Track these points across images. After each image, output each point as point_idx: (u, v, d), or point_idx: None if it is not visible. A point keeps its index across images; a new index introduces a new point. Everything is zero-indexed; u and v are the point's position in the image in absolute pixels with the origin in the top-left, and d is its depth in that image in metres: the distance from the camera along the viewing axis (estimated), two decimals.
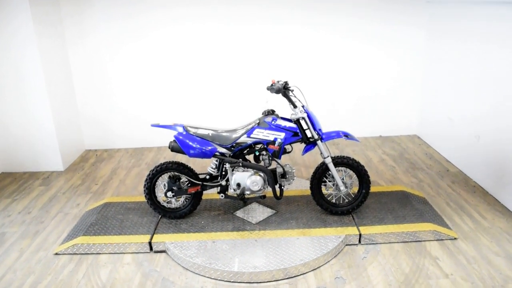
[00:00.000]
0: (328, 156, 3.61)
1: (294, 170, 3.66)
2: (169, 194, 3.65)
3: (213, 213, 3.89)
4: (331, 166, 3.62)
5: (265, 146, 3.58)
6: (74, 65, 5.65)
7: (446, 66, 5.21)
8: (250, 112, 5.57)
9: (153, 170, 3.67)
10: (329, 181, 3.76)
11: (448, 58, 5.14)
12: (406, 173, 4.93)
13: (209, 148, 3.53)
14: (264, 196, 3.67)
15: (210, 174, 3.74)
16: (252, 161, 3.72)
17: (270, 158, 3.63)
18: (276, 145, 3.50)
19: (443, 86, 5.33)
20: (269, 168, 3.63)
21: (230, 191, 3.66)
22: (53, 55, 5.18)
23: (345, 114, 6.03)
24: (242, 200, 3.63)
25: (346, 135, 3.63)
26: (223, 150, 3.57)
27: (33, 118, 5.07)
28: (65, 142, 5.40)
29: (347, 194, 3.84)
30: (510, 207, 3.96)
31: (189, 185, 3.70)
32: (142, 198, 4.25)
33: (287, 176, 3.62)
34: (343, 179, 3.72)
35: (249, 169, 3.59)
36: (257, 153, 3.62)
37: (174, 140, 3.60)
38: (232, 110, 5.92)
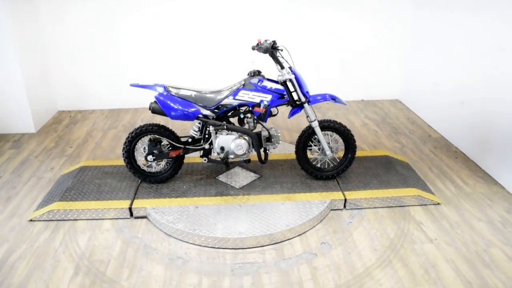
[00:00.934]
0: (314, 120, 3.51)
1: (279, 134, 3.55)
2: (150, 158, 3.50)
3: (195, 178, 3.78)
4: (317, 130, 3.53)
5: (250, 109, 3.44)
6: (47, 21, 5.26)
7: (432, 33, 5.10)
8: (235, 73, 5.36)
9: (132, 132, 3.49)
10: (315, 146, 3.69)
11: (434, 26, 5.03)
12: (389, 137, 4.90)
13: (192, 110, 3.36)
14: (248, 160, 3.57)
15: (193, 137, 3.59)
16: (236, 124, 3.58)
17: (255, 121, 3.50)
18: (262, 107, 3.37)
19: (428, 52, 5.24)
20: (254, 131, 3.51)
21: (214, 155, 3.54)
22: (22, 10, 4.79)
23: (328, 77, 5.91)
24: (226, 164, 3.52)
25: (334, 98, 3.52)
26: (207, 112, 3.41)
27: (0, 77, 4.74)
28: (37, 102, 5.10)
29: (332, 158, 3.77)
30: (491, 173, 4.00)
31: (171, 148, 3.55)
32: (120, 161, 4.08)
33: (273, 140, 3.51)
34: (329, 143, 3.64)
35: (233, 132, 3.46)
36: (241, 116, 3.48)
37: (154, 101, 3.41)
38: (216, 71, 5.70)
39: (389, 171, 3.92)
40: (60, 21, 5.29)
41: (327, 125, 3.58)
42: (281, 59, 3.37)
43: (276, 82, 3.42)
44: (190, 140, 3.59)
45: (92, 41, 5.42)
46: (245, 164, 3.88)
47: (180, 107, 3.34)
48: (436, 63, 5.07)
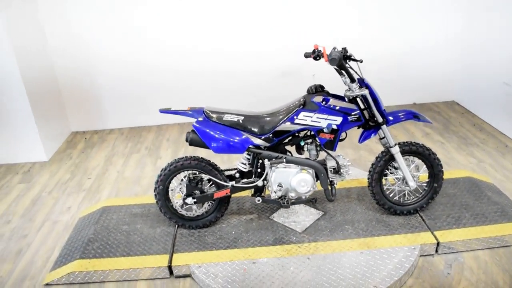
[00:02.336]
0: (395, 145, 2.78)
1: (349, 163, 2.83)
2: (189, 200, 2.80)
3: (245, 218, 3.08)
4: (399, 157, 2.80)
5: (313, 133, 2.73)
6: (50, 32, 4.60)
7: (494, 20, 4.32)
8: (277, 91, 4.66)
9: (165, 169, 2.80)
10: (391, 173, 2.96)
11: (496, 16, 4.24)
12: (459, 150, 4.15)
13: (240, 139, 2.66)
14: (315, 200, 2.86)
15: (241, 171, 2.89)
16: (294, 153, 2.87)
17: (318, 149, 2.79)
18: (329, 133, 2.65)
19: (490, 44, 4.45)
20: (316, 160, 2.80)
21: (272, 195, 2.82)
22: (22, 22, 4.13)
23: (374, 78, 5.15)
24: (285, 206, 2.81)
25: (416, 116, 2.80)
26: (258, 142, 2.70)
27: (5, 99, 4.09)
28: (47, 124, 4.45)
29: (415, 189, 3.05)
30: None
31: (215, 187, 2.86)
32: (149, 198, 3.40)
33: (342, 171, 2.80)
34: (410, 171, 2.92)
35: (293, 165, 2.75)
36: (302, 143, 2.77)
37: (192, 130, 2.72)
38: (251, 88, 4.99)
39: (479, 199, 3.18)
40: (68, 29, 4.62)
41: (408, 149, 2.85)
42: (351, 71, 2.65)
43: (344, 99, 2.71)
44: (237, 174, 2.89)
45: (104, 51, 4.74)
46: (312, 203, 3.11)
47: (225, 137, 2.64)
48: (500, 56, 4.29)
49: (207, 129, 2.64)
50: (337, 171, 2.79)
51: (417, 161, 2.95)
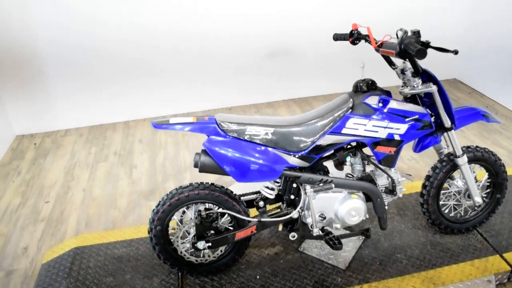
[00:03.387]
0: (463, 154, 2.18)
1: (403, 179, 2.20)
2: (202, 245, 2.06)
3: (267, 253, 2.39)
4: (466, 169, 2.21)
5: (359, 144, 2.06)
6: None
7: None
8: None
9: (163, 203, 2.03)
10: (451, 187, 2.38)
11: None
12: (483, 139, 3.66)
13: (273, 160, 1.93)
14: (368, 232, 2.22)
15: (265, 198, 2.18)
16: (334, 171, 2.20)
17: (366, 163, 2.14)
18: (389, 145, 1.99)
19: (495, 16, 3.96)
20: (363, 178, 2.16)
21: (314, 230, 2.12)
22: None
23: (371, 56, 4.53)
24: (338, 248, 2.12)
25: (485, 115, 2.20)
26: (295, 161, 1.99)
27: None
28: None
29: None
30: None
31: (234, 224, 2.13)
32: (134, 230, 2.62)
33: (397, 190, 2.17)
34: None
35: (335, 188, 2.08)
36: (348, 159, 2.10)
37: (203, 151, 1.95)
38: (248, 82, 4.20)
39: None
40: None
41: (472, 157, 2.27)
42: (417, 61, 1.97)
43: (404, 99, 2.06)
44: (261, 203, 2.17)
45: (56, 31, 3.75)
46: (366, 236, 2.39)
47: (251, 159, 1.90)
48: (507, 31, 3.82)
49: (224, 149, 1.89)
50: (390, 190, 2.16)
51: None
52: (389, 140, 1.98)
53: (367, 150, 2.16)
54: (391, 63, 2.13)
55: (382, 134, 1.97)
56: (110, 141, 3.91)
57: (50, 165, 3.57)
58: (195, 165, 1.93)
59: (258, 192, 2.22)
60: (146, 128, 4.10)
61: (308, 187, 2.00)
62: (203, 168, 1.92)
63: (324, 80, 4.50)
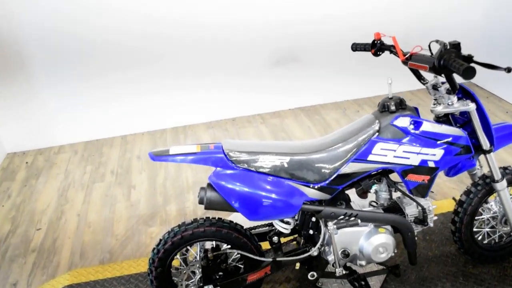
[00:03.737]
0: (503, 178, 1.93)
1: (435, 207, 1.95)
2: None
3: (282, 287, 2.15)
4: (505, 195, 1.96)
5: (384, 171, 1.82)
6: None
7: None
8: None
9: (165, 242, 1.79)
10: (485, 213, 2.14)
11: None
12: (510, 151, 3.41)
13: (290, 194, 1.69)
14: (398, 273, 1.97)
15: (278, 233, 1.94)
16: (354, 196, 1.95)
17: (391, 191, 1.90)
18: (424, 173, 1.75)
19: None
20: (389, 205, 1.91)
21: (337, 270, 1.87)
22: None
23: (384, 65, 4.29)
24: (357, 285, 1.88)
25: None
26: (315, 194, 1.74)
27: None
28: None
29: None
30: None
31: (245, 262, 1.89)
32: (132, 264, 2.38)
33: (428, 220, 1.92)
34: None
35: (359, 222, 1.83)
36: (373, 188, 1.86)
37: (208, 185, 1.70)
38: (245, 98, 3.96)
39: None
40: None
41: (510, 179, 2.02)
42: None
43: (439, 121, 1.81)
44: (275, 238, 1.93)
45: (48, 45, 3.51)
46: (395, 276, 2.11)
47: (265, 194, 1.66)
48: None
49: (233, 183, 1.64)
50: (421, 219, 1.92)
51: None
52: (422, 168, 1.73)
53: (394, 175, 1.93)
54: (420, 77, 1.89)
55: (414, 161, 1.72)
56: (106, 158, 3.67)
57: (42, 187, 3.33)
58: (200, 202, 1.69)
59: (271, 224, 1.98)
60: (145, 143, 3.86)
61: (330, 223, 1.76)
62: (210, 205, 1.68)
63: (333, 87, 4.25)
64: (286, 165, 1.68)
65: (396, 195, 1.99)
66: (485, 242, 2.22)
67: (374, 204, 1.96)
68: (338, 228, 1.77)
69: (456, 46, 1.55)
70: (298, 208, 1.69)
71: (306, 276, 2.20)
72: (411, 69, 1.87)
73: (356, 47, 2.02)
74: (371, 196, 2.04)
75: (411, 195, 1.85)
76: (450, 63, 1.47)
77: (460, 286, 2.11)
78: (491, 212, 2.13)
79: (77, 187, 3.30)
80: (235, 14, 3.70)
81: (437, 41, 1.61)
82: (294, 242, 2.01)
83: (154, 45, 3.68)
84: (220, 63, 3.90)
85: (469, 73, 1.39)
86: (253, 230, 1.98)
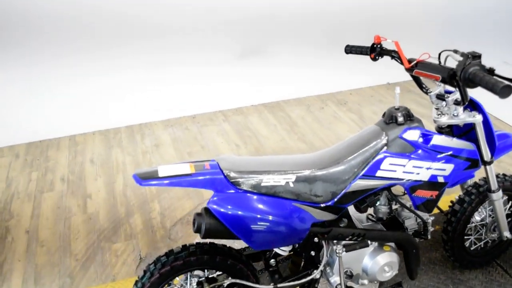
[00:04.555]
0: (499, 189, 1.91)
1: (432, 218, 1.88)
2: None
3: None
4: (499, 205, 1.94)
5: (397, 188, 1.71)
6: None
7: None
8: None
9: (151, 274, 1.55)
10: (473, 219, 2.12)
11: None
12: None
13: (298, 218, 1.52)
14: (401, 285, 1.88)
15: (277, 256, 1.77)
16: (351, 212, 1.83)
17: (391, 205, 1.80)
18: (432, 189, 1.66)
19: None
20: (387, 219, 1.82)
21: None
22: None
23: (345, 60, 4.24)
24: None
25: None
26: (322, 215, 1.59)
27: None
28: None
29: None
30: None
31: None
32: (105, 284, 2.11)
33: (428, 233, 1.85)
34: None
35: (361, 241, 1.71)
36: (379, 205, 1.75)
37: (205, 211, 1.49)
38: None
39: None
40: None
41: (509, 186, 2.01)
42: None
43: (441, 132, 1.73)
44: (272, 261, 1.76)
45: None
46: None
47: (271, 219, 1.47)
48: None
49: (236, 209, 1.44)
50: (420, 233, 1.84)
51: None
52: (431, 183, 1.64)
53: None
54: (421, 85, 1.79)
55: (424, 176, 1.62)
56: (54, 163, 3.27)
57: None
58: (197, 231, 1.47)
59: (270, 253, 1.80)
60: (98, 144, 3.50)
61: (340, 247, 1.61)
62: (209, 234, 1.47)
63: (297, 83, 4.13)
64: (291, 185, 1.51)
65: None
66: (472, 248, 2.21)
67: (370, 217, 1.85)
68: (347, 251, 1.63)
69: (477, 57, 1.46)
70: (307, 232, 1.53)
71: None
72: (413, 77, 1.77)
73: (350, 50, 1.89)
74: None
75: (414, 211, 1.77)
76: (481, 78, 1.37)
77: None
78: (480, 220, 2.11)
79: (22, 198, 2.89)
80: (197, 2, 3.43)
81: (456, 51, 1.50)
82: (289, 263, 1.86)
83: (105, 34, 3.31)
84: (178, 55, 3.62)
85: (507, 92, 1.30)
86: (244, 252, 1.80)
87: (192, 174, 1.43)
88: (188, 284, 1.65)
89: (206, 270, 1.68)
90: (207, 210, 1.47)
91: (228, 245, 1.67)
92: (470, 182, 2.03)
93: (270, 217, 1.46)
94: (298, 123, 3.76)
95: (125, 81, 3.56)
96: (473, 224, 2.13)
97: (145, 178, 1.41)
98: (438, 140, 1.62)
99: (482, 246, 2.23)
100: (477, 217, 2.12)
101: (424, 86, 1.81)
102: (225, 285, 1.64)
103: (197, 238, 2.49)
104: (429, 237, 1.86)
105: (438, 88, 1.70)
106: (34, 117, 3.42)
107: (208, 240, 1.63)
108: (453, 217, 2.01)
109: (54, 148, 3.45)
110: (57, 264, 2.38)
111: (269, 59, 3.90)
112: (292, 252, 1.75)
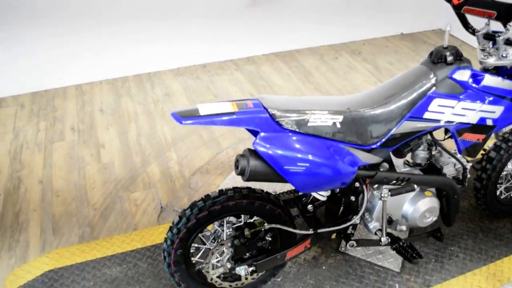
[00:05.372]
0: None
1: (470, 165, 1.82)
2: (244, 271, 1.56)
3: (305, 258, 1.96)
4: None
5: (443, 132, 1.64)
6: None
7: None
8: None
9: (187, 220, 1.49)
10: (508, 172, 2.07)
11: None
12: None
13: (345, 160, 1.44)
14: (440, 235, 1.84)
15: (314, 201, 1.71)
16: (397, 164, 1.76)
17: (431, 150, 1.73)
18: (480, 132, 1.59)
19: None
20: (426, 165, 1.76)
21: (383, 239, 1.68)
22: None
23: (358, 10, 4.05)
24: (416, 262, 1.71)
25: None
26: (368, 158, 1.52)
27: None
28: None
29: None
30: None
31: (275, 234, 1.65)
32: (127, 240, 2.05)
33: (465, 180, 1.80)
34: None
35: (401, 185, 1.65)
36: (419, 150, 1.67)
37: (251, 152, 1.40)
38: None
39: None
40: None
41: None
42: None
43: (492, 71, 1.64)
44: (309, 207, 1.70)
45: None
46: (438, 240, 1.89)
47: (319, 160, 1.39)
48: None
49: (283, 150, 1.35)
50: (459, 179, 1.79)
51: None
52: (479, 126, 1.56)
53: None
54: (467, 25, 1.68)
55: (473, 118, 1.54)
56: (62, 113, 3.14)
57: None
58: (240, 173, 1.39)
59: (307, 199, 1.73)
60: (106, 94, 3.36)
61: (385, 190, 1.55)
62: (253, 177, 1.39)
63: (310, 32, 3.96)
64: (339, 126, 1.42)
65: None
66: (502, 197, 2.18)
67: (407, 163, 1.79)
68: (392, 195, 1.57)
69: None
70: (353, 175, 1.46)
71: (326, 241, 2.03)
72: (459, 15, 1.65)
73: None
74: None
75: (455, 155, 1.70)
76: None
77: (481, 242, 2.07)
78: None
79: (32, 148, 2.79)
80: None
81: None
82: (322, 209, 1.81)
83: None
84: (188, 2, 3.42)
85: None
86: (279, 197, 1.73)
87: (235, 112, 1.33)
88: (225, 230, 1.60)
89: (240, 216, 1.63)
90: (251, 151, 1.39)
91: (268, 192, 1.60)
92: (505, 129, 1.97)
93: (318, 159, 1.38)
94: (312, 72, 3.63)
95: (131, 30, 3.38)
96: (505, 173, 2.09)
97: (185, 117, 1.31)
98: (490, 80, 1.52)
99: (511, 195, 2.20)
100: (510, 166, 2.07)
101: (470, 25, 1.69)
102: (263, 230, 1.59)
103: (218, 187, 2.43)
104: (465, 184, 1.81)
105: (486, 27, 1.60)
106: (37, 65, 3.25)
107: (246, 187, 1.56)
108: (489, 164, 1.95)
109: (60, 98, 3.31)
110: (75, 214, 2.31)
111: (280, 7, 3.71)
112: (328, 198, 1.70)
